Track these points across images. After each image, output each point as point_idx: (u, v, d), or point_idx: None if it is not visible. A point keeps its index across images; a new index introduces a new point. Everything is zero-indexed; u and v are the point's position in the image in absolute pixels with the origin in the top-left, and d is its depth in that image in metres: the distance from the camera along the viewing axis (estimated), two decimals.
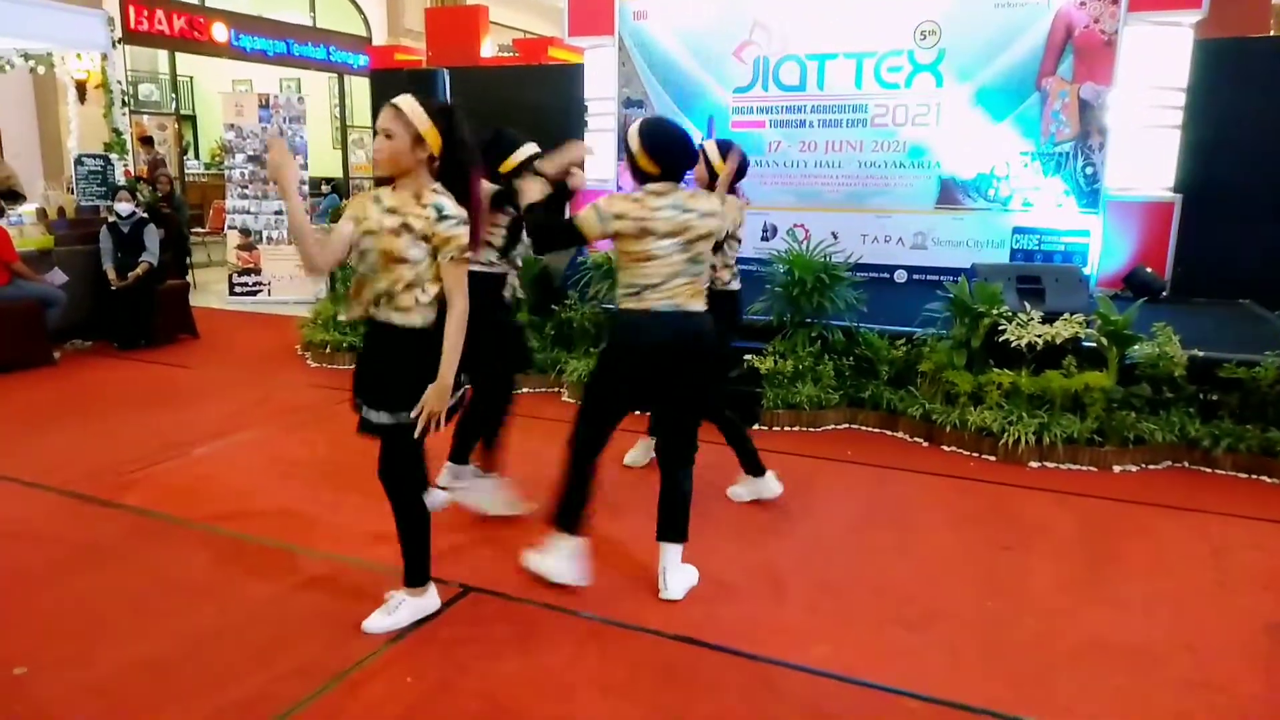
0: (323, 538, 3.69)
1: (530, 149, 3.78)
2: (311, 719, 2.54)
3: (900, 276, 7.58)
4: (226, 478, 4.40)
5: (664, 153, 3.06)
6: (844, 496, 4.32)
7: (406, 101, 2.70)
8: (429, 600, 3.06)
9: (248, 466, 4.57)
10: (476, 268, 3.55)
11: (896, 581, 3.43)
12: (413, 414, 2.74)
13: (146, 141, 11.57)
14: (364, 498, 4.06)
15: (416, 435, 2.77)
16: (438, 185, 2.76)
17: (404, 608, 3.00)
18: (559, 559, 3.24)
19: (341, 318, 2.84)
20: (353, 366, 3.00)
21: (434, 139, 2.71)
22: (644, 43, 8.16)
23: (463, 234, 2.70)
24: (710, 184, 4.04)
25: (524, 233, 3.72)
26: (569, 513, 3.24)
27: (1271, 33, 10.67)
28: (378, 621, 2.97)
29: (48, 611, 3.11)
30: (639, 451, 4.63)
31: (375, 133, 2.74)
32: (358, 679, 2.72)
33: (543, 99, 9.58)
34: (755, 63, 7.80)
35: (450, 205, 2.71)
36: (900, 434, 5.23)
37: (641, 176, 3.11)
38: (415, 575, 3.02)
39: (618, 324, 3.18)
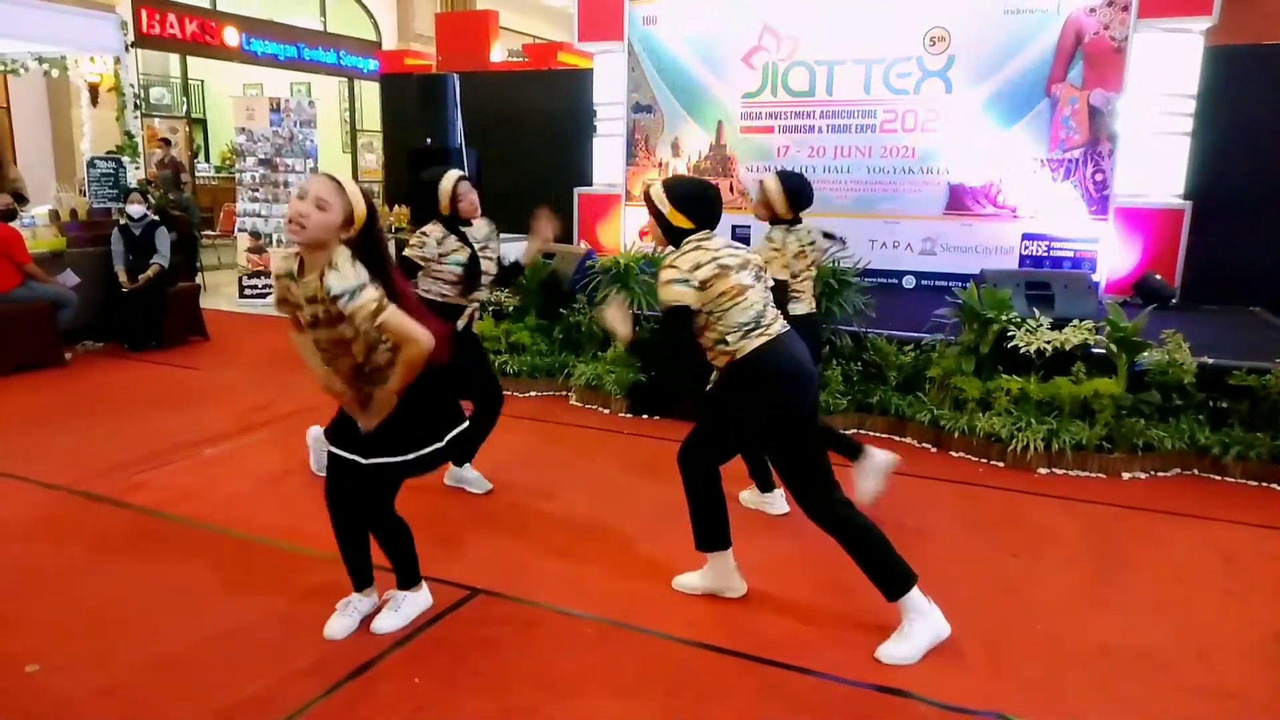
0: (331, 541, 3.69)
1: (453, 176, 3.94)
2: (323, 718, 2.55)
3: (909, 282, 7.59)
4: (237, 480, 4.43)
5: (696, 204, 3.04)
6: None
7: (349, 182, 2.62)
8: (425, 596, 3.13)
9: (258, 469, 4.59)
10: (431, 297, 3.89)
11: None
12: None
13: (164, 143, 11.65)
14: None
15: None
16: (335, 257, 2.58)
17: (407, 604, 3.07)
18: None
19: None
20: None
21: (360, 215, 2.62)
22: (653, 48, 8.20)
23: (364, 301, 2.54)
24: (772, 218, 4.06)
25: (481, 275, 4.00)
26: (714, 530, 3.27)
27: None
28: (387, 621, 3.01)
29: (60, 610, 3.13)
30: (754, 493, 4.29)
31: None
32: (368, 679, 2.74)
33: (552, 104, 9.63)
34: (764, 68, 7.84)
35: (336, 281, 2.54)
36: (908, 439, 5.23)
37: (676, 235, 3.05)
38: (408, 579, 3.09)
39: (761, 362, 2.95)
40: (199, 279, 9.38)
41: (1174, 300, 6.83)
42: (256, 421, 5.40)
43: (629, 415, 5.55)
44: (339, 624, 2.99)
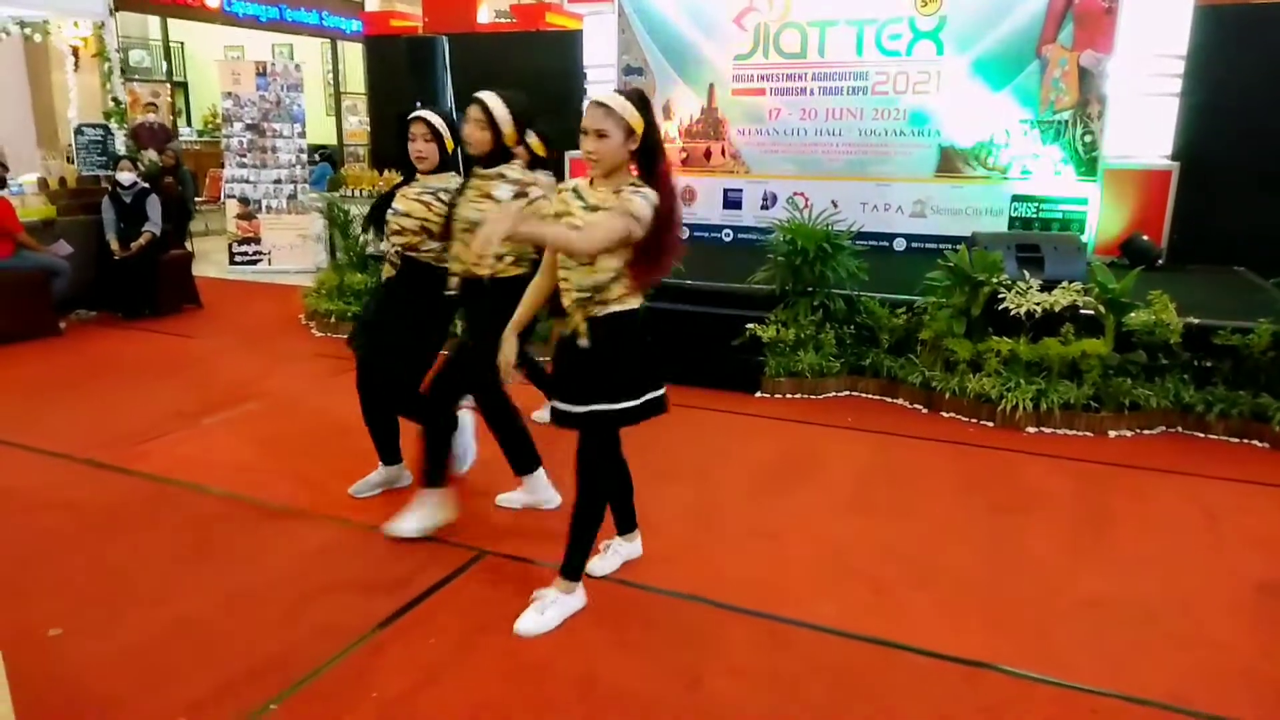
0: (340, 504, 3.77)
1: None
2: (340, 677, 2.64)
3: (900, 245, 7.64)
4: (240, 446, 4.48)
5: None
6: (846, 462, 4.41)
7: (614, 99, 2.70)
8: (577, 597, 3.01)
9: (260, 435, 4.64)
10: (428, 258, 3.54)
11: (899, 543, 3.53)
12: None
13: (149, 107, 11.48)
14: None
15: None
16: (635, 179, 2.75)
17: (554, 606, 2.94)
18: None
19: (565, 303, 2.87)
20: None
21: (640, 130, 2.70)
22: (644, 9, 8.14)
23: (643, 204, 2.65)
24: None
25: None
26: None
27: None
28: (530, 622, 2.89)
29: (77, 576, 3.20)
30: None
31: (585, 131, 2.69)
32: (383, 639, 2.82)
33: (542, 66, 9.54)
34: (756, 29, 7.80)
35: (643, 194, 2.68)
36: (900, 401, 5.33)
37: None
38: (573, 567, 2.97)
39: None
40: (188, 245, 9.34)
41: (1160, 261, 6.92)
42: (255, 390, 5.44)
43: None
44: (595, 563, 3.19)
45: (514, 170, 3.34)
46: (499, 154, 3.36)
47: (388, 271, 3.64)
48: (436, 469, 3.46)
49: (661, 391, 2.90)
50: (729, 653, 2.78)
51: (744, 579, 3.23)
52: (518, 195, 3.24)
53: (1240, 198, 6.97)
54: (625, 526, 3.32)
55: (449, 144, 3.55)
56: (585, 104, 2.77)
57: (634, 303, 2.81)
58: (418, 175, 3.58)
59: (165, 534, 3.52)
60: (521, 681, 2.63)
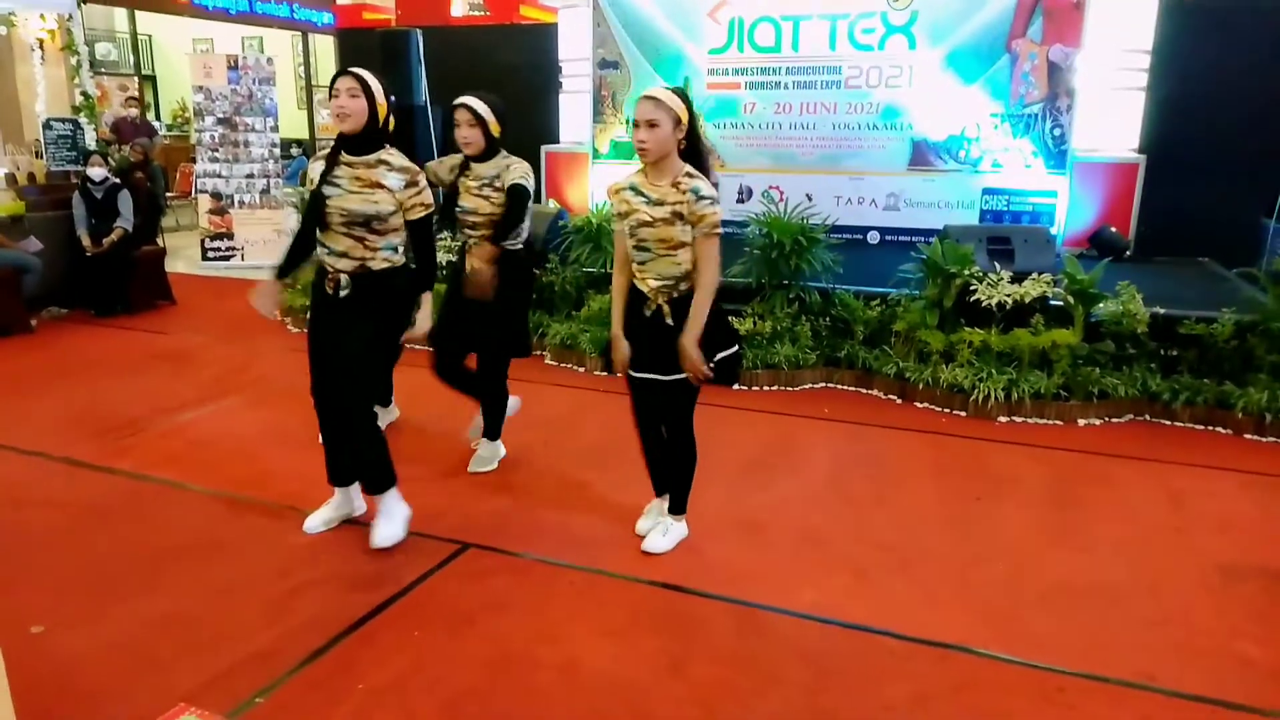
0: (318, 498, 3.77)
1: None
2: (326, 670, 2.66)
3: (873, 238, 7.73)
4: (218, 442, 4.47)
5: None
6: (822, 452, 4.48)
7: (662, 92, 2.97)
8: (685, 527, 3.46)
9: (238, 431, 4.64)
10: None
11: (875, 530, 3.61)
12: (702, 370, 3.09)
13: (131, 102, 11.29)
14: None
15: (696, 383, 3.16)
16: (690, 168, 3.02)
17: (674, 530, 3.40)
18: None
19: (637, 284, 2.97)
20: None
21: (685, 120, 2.97)
22: (619, 2, 8.16)
23: (716, 212, 2.98)
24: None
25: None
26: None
27: None
28: (659, 543, 3.35)
29: (59, 572, 3.19)
30: None
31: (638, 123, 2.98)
32: (368, 631, 2.85)
33: (516, 59, 9.54)
34: (730, 24, 7.85)
35: (705, 187, 2.98)
36: (875, 392, 5.40)
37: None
38: (681, 504, 3.42)
39: None
40: (160, 241, 9.24)
41: (1128, 252, 7.05)
42: (232, 385, 5.42)
43: (603, 374, 5.65)
44: (646, 523, 3.47)
45: (397, 157, 3.25)
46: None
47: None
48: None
49: (735, 349, 3.24)
50: (710, 639, 2.84)
51: (724, 567, 3.28)
52: (408, 185, 3.21)
53: (1205, 190, 7.12)
54: (664, 489, 3.52)
55: (494, 128, 3.74)
56: (638, 100, 3.04)
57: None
58: (470, 162, 3.82)
59: (147, 530, 3.51)
60: (506, 670, 2.67)
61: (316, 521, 3.50)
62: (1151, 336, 5.07)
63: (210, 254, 9.72)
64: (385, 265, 3.21)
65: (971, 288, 5.26)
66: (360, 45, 10.28)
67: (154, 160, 10.12)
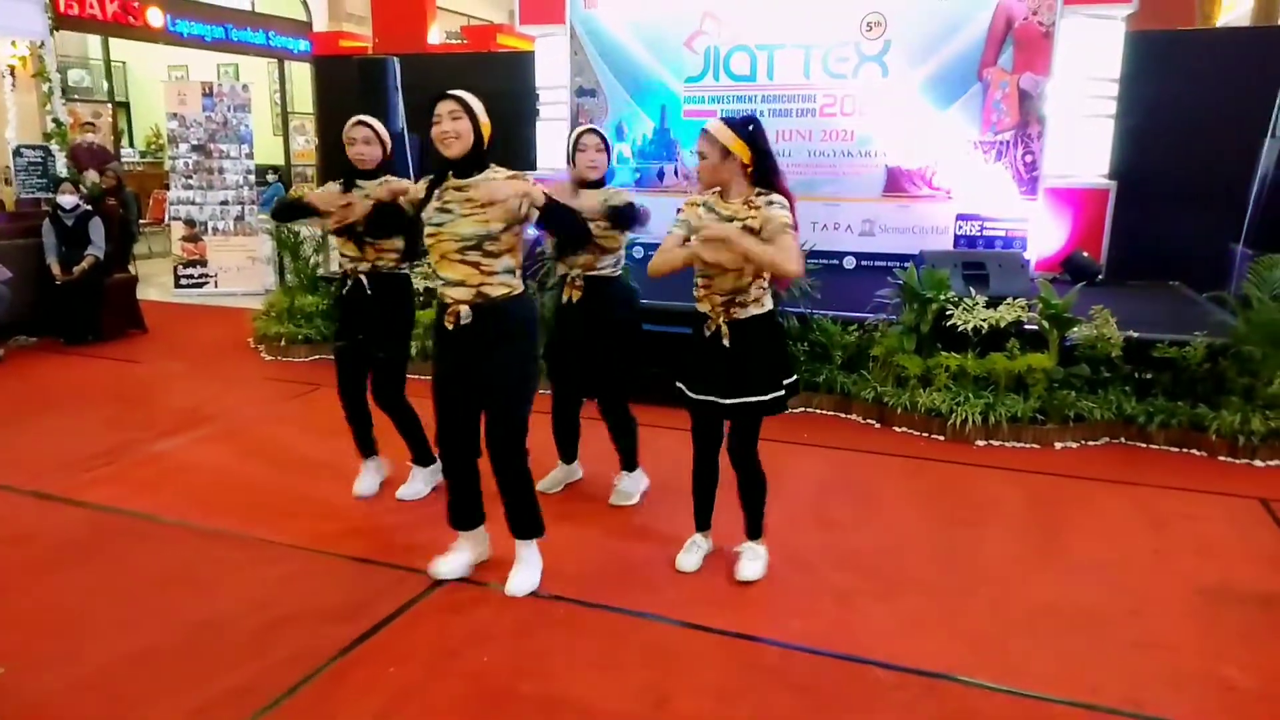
0: (296, 531, 3.72)
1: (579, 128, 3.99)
2: (301, 707, 2.60)
3: (849, 263, 7.78)
4: (191, 473, 4.39)
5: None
6: (804, 477, 4.47)
7: (714, 124, 3.10)
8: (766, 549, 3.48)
9: (211, 462, 4.56)
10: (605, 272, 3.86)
11: (859, 556, 3.59)
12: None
13: (88, 127, 11.21)
14: (332, 490, 4.11)
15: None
16: (760, 189, 3.11)
17: (761, 553, 3.43)
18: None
19: (699, 305, 2.92)
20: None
21: (741, 150, 3.05)
22: (595, 31, 8.21)
23: (786, 213, 3.03)
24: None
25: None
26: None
27: (1197, 25, 11.12)
28: (752, 569, 3.36)
29: (27, 610, 3.11)
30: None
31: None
32: (343, 667, 2.78)
33: (494, 87, 9.44)
34: (706, 52, 7.91)
35: (779, 199, 3.07)
36: (854, 416, 5.41)
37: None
38: (758, 529, 3.44)
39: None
40: (132, 268, 9.14)
41: (1100, 276, 7.14)
42: (204, 415, 5.34)
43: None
44: (689, 560, 3.43)
45: (504, 172, 3.15)
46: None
47: (573, 294, 3.80)
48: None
49: (793, 378, 3.30)
50: (696, 671, 2.80)
51: (708, 595, 3.25)
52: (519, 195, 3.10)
53: (1175, 214, 7.24)
54: (706, 524, 3.53)
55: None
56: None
57: (769, 304, 3.20)
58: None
59: (119, 565, 3.43)
60: (486, 705, 2.62)
61: (453, 567, 3.33)
62: (1126, 360, 5.12)
63: (183, 281, 9.62)
64: (504, 291, 3.05)
65: (948, 312, 5.30)
66: (337, 73, 10.27)
67: (126, 186, 10.02)
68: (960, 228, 7.51)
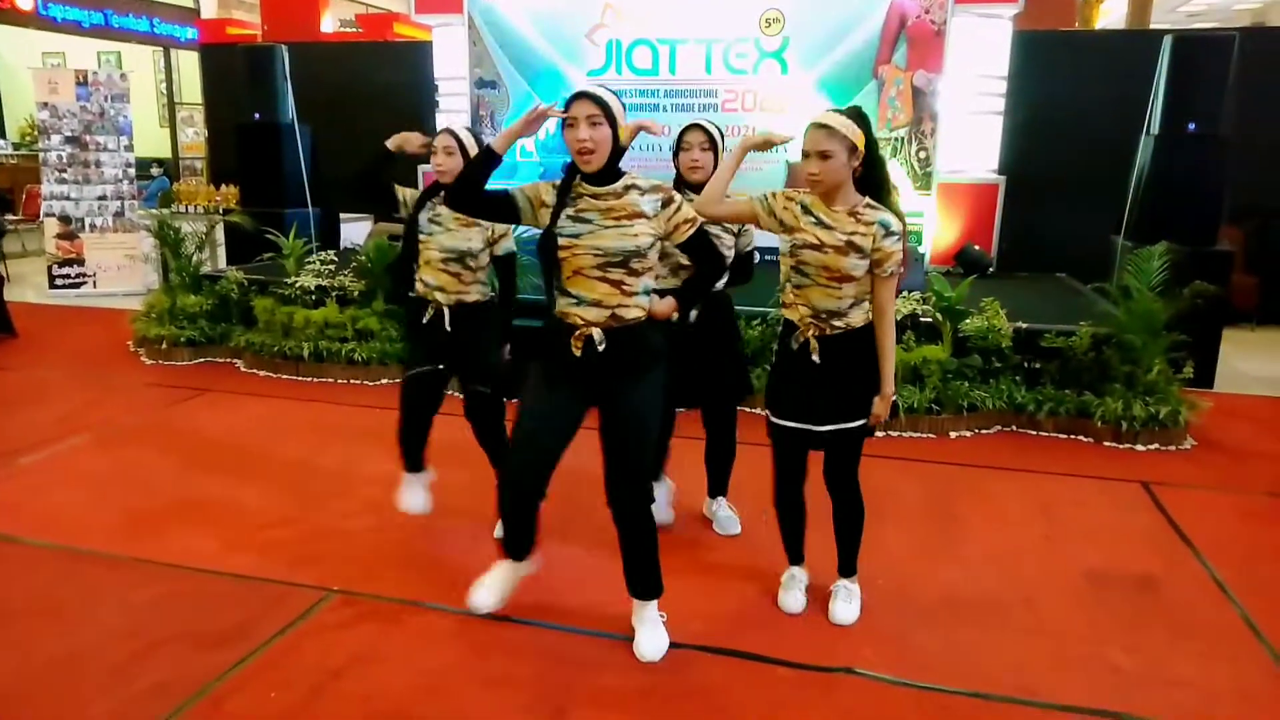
0: (172, 548, 3.50)
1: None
2: None
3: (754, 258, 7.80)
4: (59, 489, 4.10)
5: None
6: (697, 472, 4.43)
7: (835, 118, 2.70)
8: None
9: (83, 476, 4.27)
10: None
11: (755, 553, 3.57)
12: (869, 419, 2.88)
13: None
14: (212, 504, 3.91)
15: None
16: (869, 199, 2.77)
17: (856, 593, 3.13)
18: None
19: (787, 313, 2.61)
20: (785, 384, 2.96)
21: (862, 146, 2.70)
22: (495, 21, 8.04)
23: (900, 251, 2.72)
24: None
25: None
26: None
27: (1077, 27, 11.58)
28: (846, 612, 3.07)
29: None
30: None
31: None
32: (216, 697, 2.61)
33: (390, 78, 9.29)
34: (608, 45, 7.83)
35: (894, 222, 2.73)
36: (756, 410, 5.41)
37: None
38: (854, 564, 3.16)
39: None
40: (2, 269, 8.56)
41: (991, 269, 7.35)
42: (79, 424, 5.00)
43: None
44: (793, 599, 3.15)
45: (641, 179, 2.82)
46: None
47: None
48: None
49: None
50: (596, 679, 2.73)
51: (605, 603, 3.17)
52: (665, 204, 2.78)
53: (1060, 209, 7.51)
54: (798, 557, 3.26)
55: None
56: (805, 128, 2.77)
57: (866, 317, 2.85)
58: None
59: None
60: None
61: (494, 598, 3.02)
62: (1016, 350, 5.25)
63: (59, 281, 9.06)
64: (638, 315, 2.68)
65: None
66: (224, 62, 9.82)
67: None
68: None
